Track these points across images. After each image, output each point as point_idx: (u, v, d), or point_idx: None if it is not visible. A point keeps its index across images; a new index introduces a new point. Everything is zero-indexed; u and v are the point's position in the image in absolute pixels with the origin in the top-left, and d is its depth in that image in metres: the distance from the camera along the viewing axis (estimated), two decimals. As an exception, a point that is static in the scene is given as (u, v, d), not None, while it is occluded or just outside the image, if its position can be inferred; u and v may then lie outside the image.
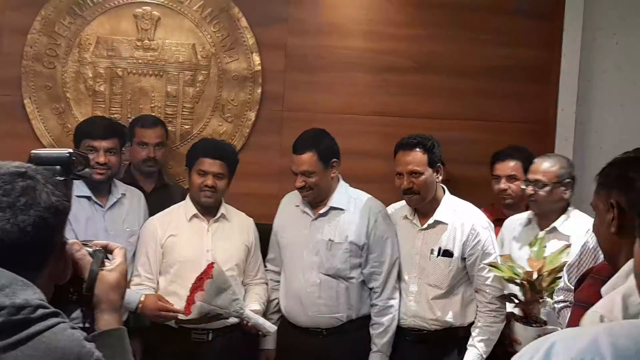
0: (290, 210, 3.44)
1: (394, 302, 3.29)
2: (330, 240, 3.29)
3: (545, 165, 3.30)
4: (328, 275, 3.29)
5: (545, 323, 3.02)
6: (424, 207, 3.27)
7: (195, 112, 4.17)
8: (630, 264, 1.70)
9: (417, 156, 3.19)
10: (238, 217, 3.48)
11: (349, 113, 4.26)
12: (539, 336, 2.95)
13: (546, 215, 3.32)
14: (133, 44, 4.10)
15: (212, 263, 3.11)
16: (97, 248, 1.53)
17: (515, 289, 3.05)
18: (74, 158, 1.52)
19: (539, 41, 4.31)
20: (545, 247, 3.03)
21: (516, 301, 3.04)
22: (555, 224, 3.29)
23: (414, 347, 3.27)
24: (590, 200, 3.55)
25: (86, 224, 3.31)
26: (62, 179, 1.45)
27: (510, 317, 3.15)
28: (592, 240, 2.69)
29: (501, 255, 3.17)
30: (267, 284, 3.48)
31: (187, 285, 3.16)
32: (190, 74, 4.14)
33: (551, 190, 3.26)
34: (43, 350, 1.22)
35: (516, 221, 3.44)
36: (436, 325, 3.22)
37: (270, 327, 3.21)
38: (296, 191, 3.42)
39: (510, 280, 3.00)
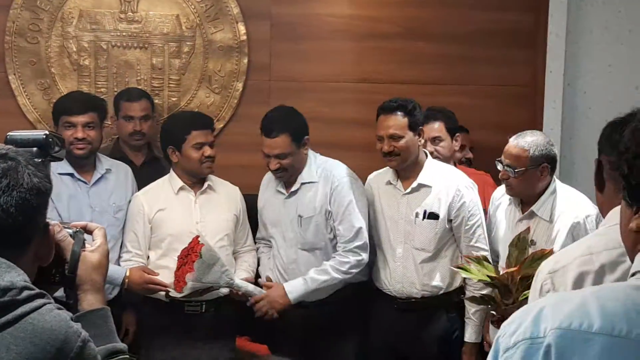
0: (269, 190, 3.46)
1: (349, 266, 3.26)
2: (300, 216, 3.32)
3: (518, 149, 2.99)
4: (305, 250, 3.33)
5: None
6: (406, 171, 3.28)
7: (182, 84, 4.13)
8: (606, 218, 1.74)
9: (398, 119, 3.20)
10: (224, 187, 3.48)
11: (336, 81, 4.23)
12: None
13: (526, 199, 3.10)
14: (116, 16, 4.04)
15: (197, 237, 3.11)
16: (78, 229, 1.53)
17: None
18: (50, 139, 1.51)
19: (525, 4, 4.28)
20: (527, 248, 2.85)
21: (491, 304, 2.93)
22: (533, 207, 3.06)
23: (402, 315, 3.28)
24: (581, 161, 3.58)
25: (69, 201, 3.29)
26: (39, 160, 1.43)
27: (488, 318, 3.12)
28: None
29: (473, 258, 3.01)
30: (255, 250, 3.51)
31: (176, 256, 3.18)
32: (175, 45, 4.09)
33: (524, 176, 2.99)
34: (30, 331, 1.24)
35: (502, 197, 3.29)
36: (425, 290, 3.23)
37: (260, 292, 3.25)
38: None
39: (486, 283, 2.91)
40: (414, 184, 3.25)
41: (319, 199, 3.30)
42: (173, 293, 3.16)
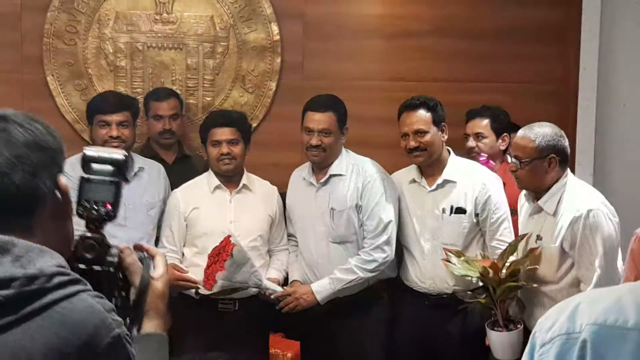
0: (298, 184, 3.49)
1: (376, 264, 3.29)
2: (332, 208, 3.34)
3: (524, 140, 2.94)
4: (336, 242, 3.35)
5: (518, 324, 2.93)
6: (430, 168, 3.31)
7: (216, 84, 4.18)
8: None
9: (422, 115, 3.24)
10: (261, 186, 3.51)
11: (368, 80, 4.24)
12: (513, 341, 2.90)
13: (537, 192, 3.01)
14: (152, 17, 4.10)
15: (229, 237, 3.14)
16: (146, 256, 1.52)
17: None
18: (128, 161, 1.49)
19: (556, 1, 4.25)
20: (515, 252, 2.97)
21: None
22: (540, 202, 2.98)
23: (433, 311, 3.28)
24: (615, 159, 3.49)
25: None
26: (115, 180, 1.43)
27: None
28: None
29: (452, 252, 3.09)
30: (288, 249, 3.53)
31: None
32: (209, 45, 4.14)
33: (530, 167, 2.93)
34: (57, 320, 1.14)
35: (524, 197, 3.21)
36: (457, 286, 3.24)
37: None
38: (301, 166, 3.49)
39: (481, 278, 2.97)
40: (439, 180, 3.27)
41: (351, 193, 3.32)
42: (202, 290, 3.20)
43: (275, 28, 4.14)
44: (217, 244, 3.22)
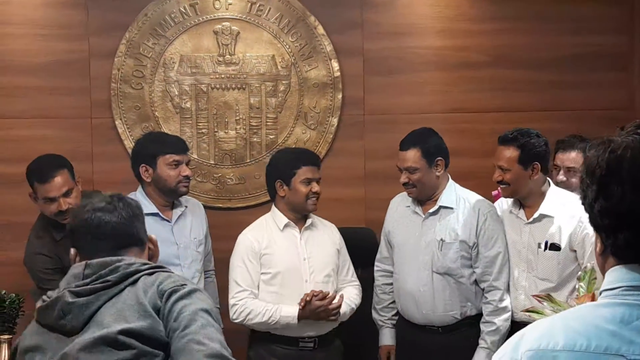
0: (401, 210, 3.34)
1: (507, 302, 3.13)
2: (441, 239, 3.16)
3: None
4: (439, 273, 3.17)
5: None
6: (528, 200, 3.12)
7: (279, 122, 4.04)
8: None
9: (507, 153, 3.06)
10: (322, 223, 3.36)
11: (429, 112, 4.06)
12: None
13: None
14: (215, 59, 3.99)
15: None
16: None
17: None
18: None
19: (615, 27, 4.07)
20: (595, 279, 2.58)
21: None
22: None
23: None
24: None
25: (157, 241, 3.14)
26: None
27: None
28: None
29: (543, 297, 2.75)
30: (359, 285, 3.36)
31: (288, 294, 3.09)
32: (271, 84, 4.01)
33: None
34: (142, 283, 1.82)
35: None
36: None
37: None
38: (403, 193, 3.33)
39: None
40: (536, 214, 3.08)
41: (462, 227, 3.15)
42: None
43: (335, 64, 3.99)
44: (294, 280, 3.10)
